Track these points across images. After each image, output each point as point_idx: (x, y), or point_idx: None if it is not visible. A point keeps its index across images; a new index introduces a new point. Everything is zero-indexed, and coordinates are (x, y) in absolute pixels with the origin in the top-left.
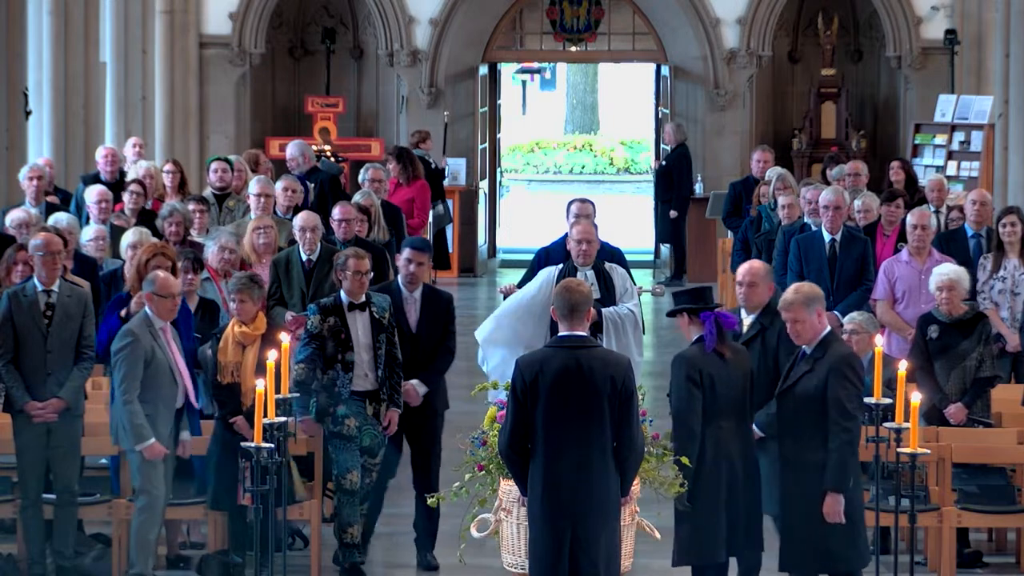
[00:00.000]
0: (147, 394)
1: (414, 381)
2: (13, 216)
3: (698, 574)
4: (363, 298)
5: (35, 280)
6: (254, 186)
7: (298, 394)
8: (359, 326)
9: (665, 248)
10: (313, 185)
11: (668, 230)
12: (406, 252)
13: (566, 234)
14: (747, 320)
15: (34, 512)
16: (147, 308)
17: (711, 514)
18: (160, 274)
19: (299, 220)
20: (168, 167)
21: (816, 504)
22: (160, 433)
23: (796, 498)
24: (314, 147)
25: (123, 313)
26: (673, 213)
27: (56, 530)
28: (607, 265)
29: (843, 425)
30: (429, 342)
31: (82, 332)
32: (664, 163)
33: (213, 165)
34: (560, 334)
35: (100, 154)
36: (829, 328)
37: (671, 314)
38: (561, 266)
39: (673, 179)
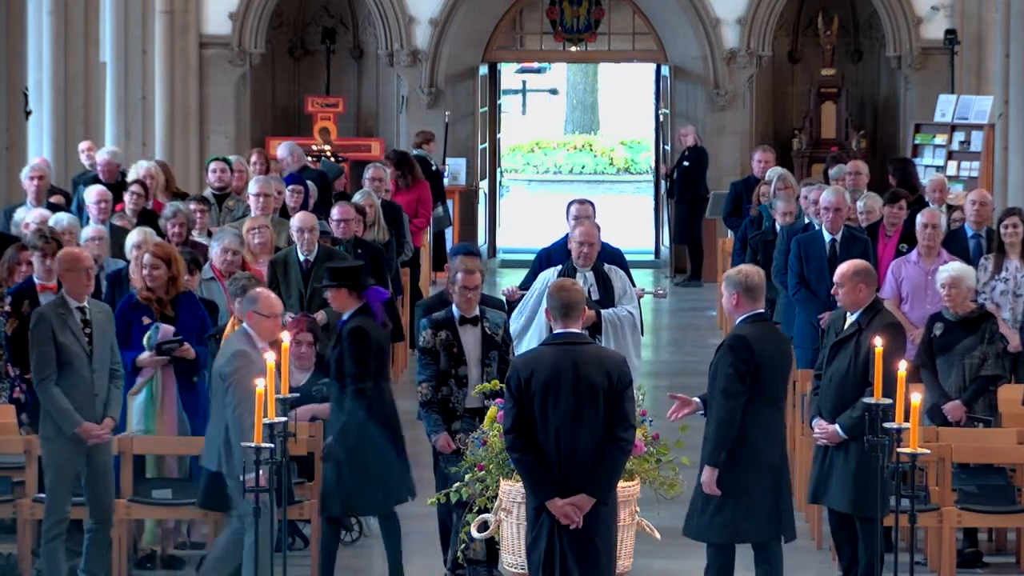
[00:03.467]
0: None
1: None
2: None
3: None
4: (475, 312)
5: (65, 296)
6: (253, 186)
7: (425, 413)
8: (470, 340)
9: (665, 249)
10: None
11: (685, 231)
12: (457, 260)
13: (567, 235)
14: (849, 319)
15: (58, 541)
16: (247, 327)
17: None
18: (263, 292)
19: (296, 221)
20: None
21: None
22: None
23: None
24: (314, 147)
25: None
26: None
27: (89, 552)
28: (606, 267)
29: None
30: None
31: (112, 348)
32: (686, 163)
33: (212, 165)
34: (555, 332)
35: (99, 162)
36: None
37: (326, 286)
38: (560, 267)
39: (695, 179)
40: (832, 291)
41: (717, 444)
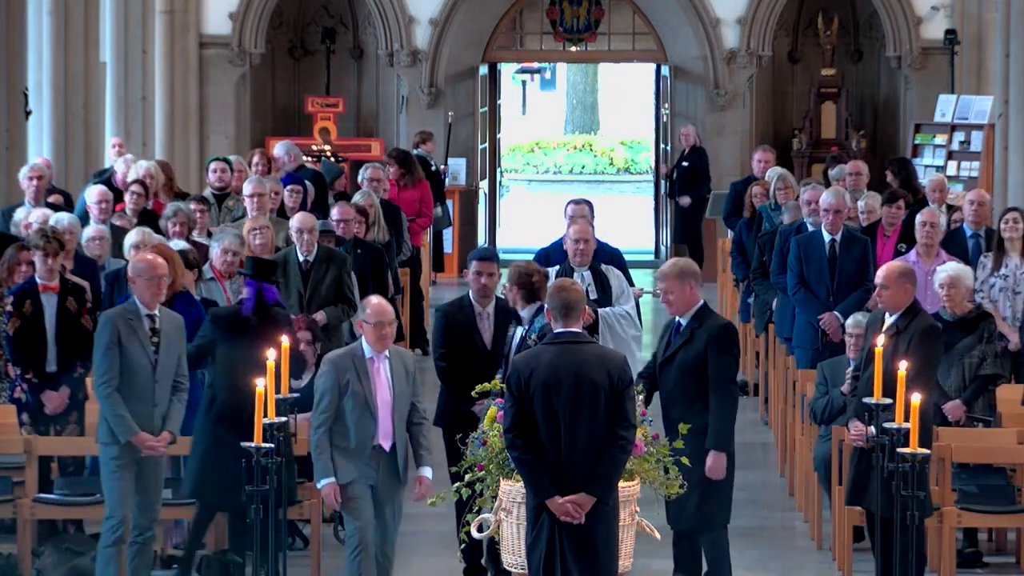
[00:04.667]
0: (340, 428)
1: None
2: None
3: None
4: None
5: (136, 301)
6: (247, 187)
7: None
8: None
9: (665, 248)
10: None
11: (686, 230)
12: (473, 265)
13: (565, 235)
14: (888, 320)
15: (115, 548)
16: (362, 338)
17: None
18: (374, 300)
19: (296, 221)
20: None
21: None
22: (352, 472)
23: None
24: (314, 147)
25: None
26: (686, 200)
27: (135, 565)
28: (603, 267)
29: None
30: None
31: (179, 360)
32: (687, 163)
33: (212, 165)
34: (555, 331)
35: (120, 171)
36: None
37: (242, 274)
38: (558, 267)
39: (698, 178)
40: (877, 294)
41: (730, 431)
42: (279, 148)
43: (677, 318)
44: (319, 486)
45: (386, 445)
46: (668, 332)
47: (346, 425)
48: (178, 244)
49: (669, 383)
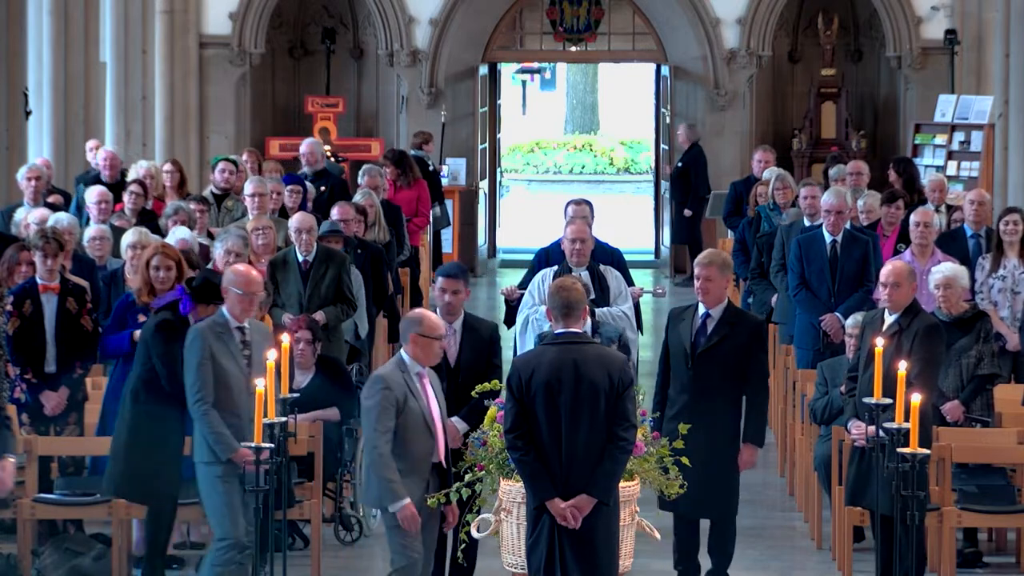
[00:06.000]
0: (398, 448)
1: (454, 419)
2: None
3: None
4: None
5: (224, 313)
6: (248, 187)
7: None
8: None
9: (665, 248)
10: (323, 189)
11: (685, 231)
12: (439, 281)
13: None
14: (888, 319)
15: (231, 567)
16: (403, 351)
17: None
18: (425, 312)
19: (295, 221)
20: (167, 167)
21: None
22: (413, 492)
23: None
24: None
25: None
26: (687, 212)
27: None
28: (601, 267)
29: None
30: (470, 376)
31: None
32: (680, 164)
33: (220, 165)
34: (555, 331)
35: (101, 157)
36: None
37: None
38: (556, 267)
39: (691, 179)
40: (887, 293)
41: (764, 425)
42: (307, 146)
43: (706, 309)
44: (393, 509)
45: (442, 461)
46: (692, 321)
47: (401, 444)
48: (182, 232)
49: (712, 373)
